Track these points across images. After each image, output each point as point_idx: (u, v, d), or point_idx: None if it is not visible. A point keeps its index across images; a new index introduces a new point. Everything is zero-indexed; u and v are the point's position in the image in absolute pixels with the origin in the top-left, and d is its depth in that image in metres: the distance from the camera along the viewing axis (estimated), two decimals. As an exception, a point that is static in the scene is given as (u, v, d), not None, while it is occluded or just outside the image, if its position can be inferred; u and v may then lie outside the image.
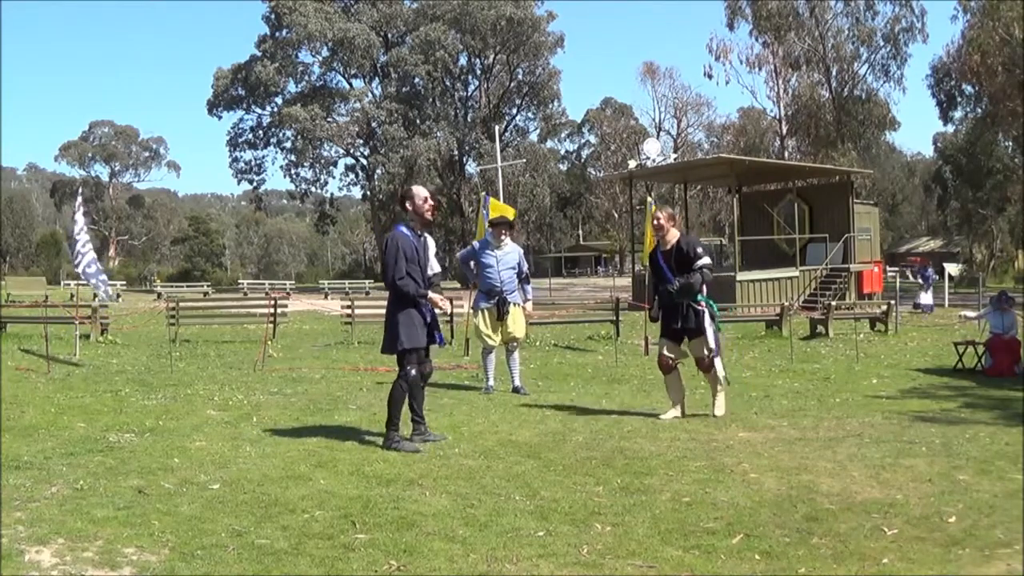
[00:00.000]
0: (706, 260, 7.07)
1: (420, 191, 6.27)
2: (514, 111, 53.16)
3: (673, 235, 7.21)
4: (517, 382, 8.94)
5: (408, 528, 4.19)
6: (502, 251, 8.74)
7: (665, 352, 7.31)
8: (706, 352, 7.17)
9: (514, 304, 8.77)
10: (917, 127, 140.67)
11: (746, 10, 45.99)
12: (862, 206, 30.23)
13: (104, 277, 13.23)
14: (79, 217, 12.63)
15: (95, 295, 13.11)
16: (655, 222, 7.33)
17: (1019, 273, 51.01)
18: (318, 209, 56.03)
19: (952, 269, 38.46)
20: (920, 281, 24.91)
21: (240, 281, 56.91)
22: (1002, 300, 11.55)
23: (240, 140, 51.46)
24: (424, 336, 6.10)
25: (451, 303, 7.91)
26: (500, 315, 8.68)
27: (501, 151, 33.86)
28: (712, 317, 7.22)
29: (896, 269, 38.30)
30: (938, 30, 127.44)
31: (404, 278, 6.03)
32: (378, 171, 47.20)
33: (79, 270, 12.56)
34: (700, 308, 7.09)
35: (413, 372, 6.08)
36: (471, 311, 9.20)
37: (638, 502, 4.68)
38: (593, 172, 66.71)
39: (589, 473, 5.33)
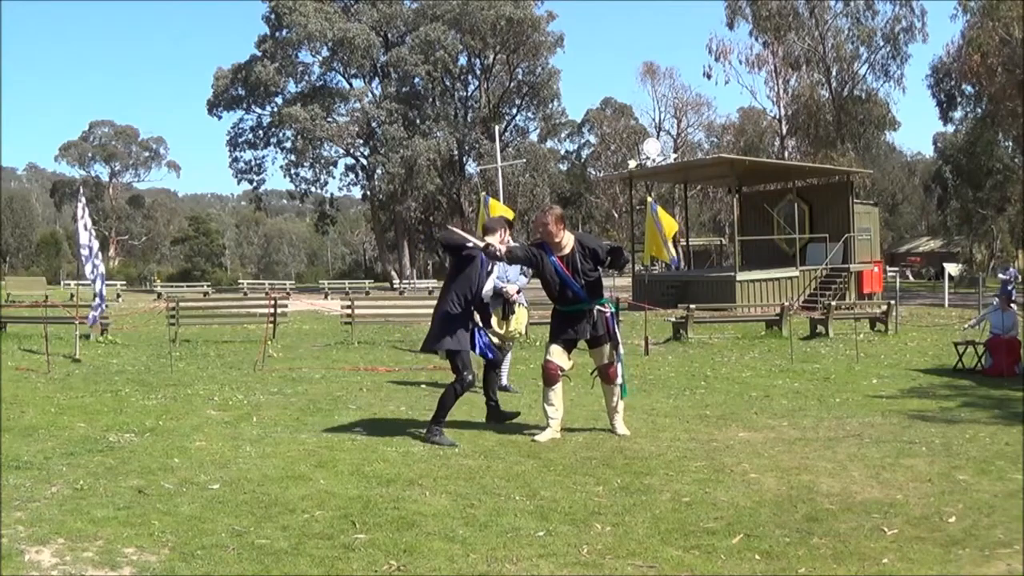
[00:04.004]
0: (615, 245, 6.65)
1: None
2: (514, 111, 53.08)
3: (568, 238, 6.40)
4: (504, 381, 9.01)
5: (408, 528, 4.19)
6: None
7: (555, 359, 6.45)
8: (613, 359, 6.52)
9: (519, 304, 8.85)
10: (917, 127, 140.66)
11: (746, 10, 45.96)
12: (862, 206, 30.19)
13: (101, 304, 12.94)
14: (83, 223, 12.31)
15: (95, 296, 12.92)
16: (542, 227, 6.42)
17: (1019, 273, 50.94)
18: (318, 209, 55.93)
19: (952, 269, 38.41)
20: (1001, 276, 23.03)
21: (240, 281, 56.89)
22: (1006, 298, 11.52)
23: (240, 140, 51.40)
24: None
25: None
26: (505, 314, 8.74)
27: (501, 151, 33.76)
28: (617, 321, 6.64)
29: (896, 269, 38.30)
30: (938, 30, 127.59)
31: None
32: (378, 171, 47.15)
33: (90, 275, 12.39)
34: (606, 311, 6.48)
35: (471, 377, 6.37)
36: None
37: (638, 502, 4.69)
38: (593, 172, 66.60)
39: (589, 473, 5.33)
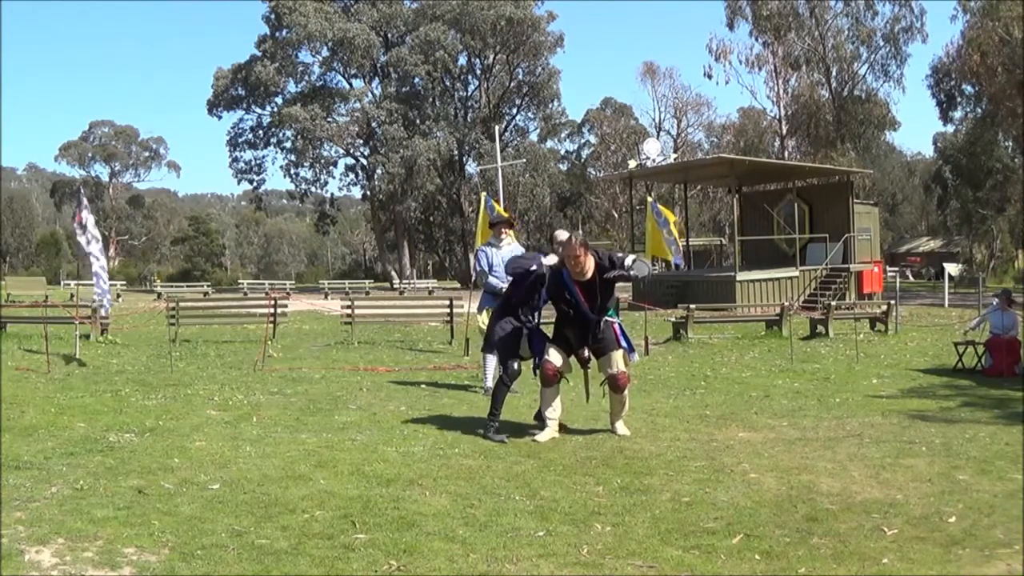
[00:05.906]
0: (631, 256, 6.54)
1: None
2: (514, 111, 53.06)
3: (590, 263, 6.25)
4: (489, 383, 8.96)
5: (408, 528, 4.19)
6: (506, 252, 8.75)
7: (553, 360, 6.44)
8: (622, 368, 6.48)
9: None
10: (917, 127, 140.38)
11: (746, 10, 45.99)
12: (862, 206, 30.20)
13: (107, 293, 13.06)
14: (88, 223, 12.20)
15: (95, 298, 12.96)
16: (573, 259, 6.22)
17: (1019, 273, 51.00)
18: (318, 209, 55.92)
19: (952, 269, 38.39)
20: None
21: (240, 281, 56.88)
22: (1006, 298, 11.52)
23: (240, 140, 51.36)
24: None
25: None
26: None
27: (501, 151, 33.77)
28: (623, 331, 6.65)
29: (896, 269, 38.29)
30: (938, 30, 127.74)
31: None
32: (378, 171, 47.13)
33: (95, 271, 12.43)
34: (614, 322, 6.53)
35: (515, 366, 6.78)
36: (476, 311, 9.21)
37: (638, 502, 4.69)
38: (593, 172, 66.59)
39: (589, 473, 5.33)
